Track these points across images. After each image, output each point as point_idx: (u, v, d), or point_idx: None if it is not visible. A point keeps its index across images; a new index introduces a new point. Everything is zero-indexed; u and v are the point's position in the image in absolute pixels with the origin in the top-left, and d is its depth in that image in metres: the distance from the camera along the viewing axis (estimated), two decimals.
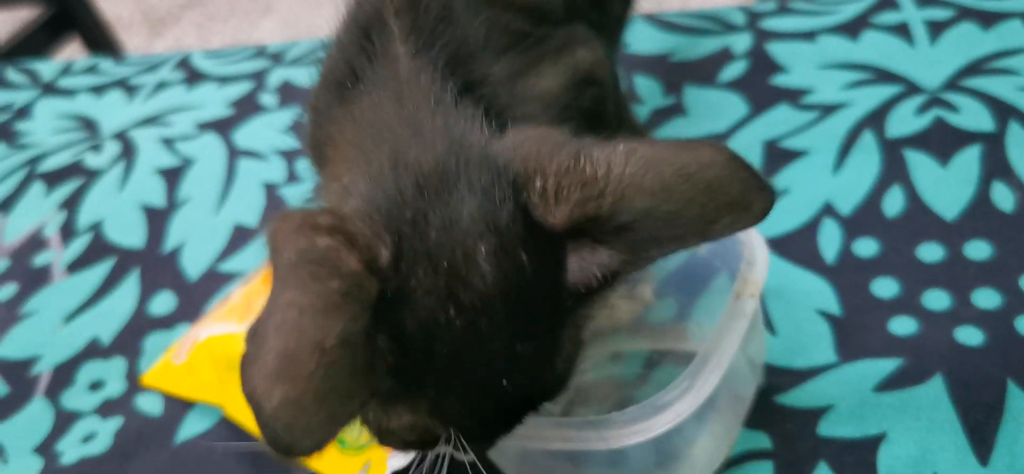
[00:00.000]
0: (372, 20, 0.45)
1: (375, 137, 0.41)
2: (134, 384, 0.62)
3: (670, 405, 0.42)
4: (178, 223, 0.75)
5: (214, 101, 0.90)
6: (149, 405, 0.61)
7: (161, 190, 0.79)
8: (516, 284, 0.37)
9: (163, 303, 0.68)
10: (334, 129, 0.44)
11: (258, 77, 0.92)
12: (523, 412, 0.40)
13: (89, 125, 0.90)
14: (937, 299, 0.54)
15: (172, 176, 0.80)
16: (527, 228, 0.37)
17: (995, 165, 0.62)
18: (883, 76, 0.71)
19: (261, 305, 0.58)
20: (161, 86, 0.94)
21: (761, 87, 0.73)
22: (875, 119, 0.67)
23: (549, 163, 0.37)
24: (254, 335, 0.34)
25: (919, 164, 0.63)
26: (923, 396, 0.50)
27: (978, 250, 0.57)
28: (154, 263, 0.72)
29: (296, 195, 0.75)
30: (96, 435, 0.59)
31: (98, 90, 0.96)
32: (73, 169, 0.84)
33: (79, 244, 0.75)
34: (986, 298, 0.54)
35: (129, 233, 0.75)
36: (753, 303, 0.46)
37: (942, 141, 0.65)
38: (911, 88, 0.69)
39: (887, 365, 0.51)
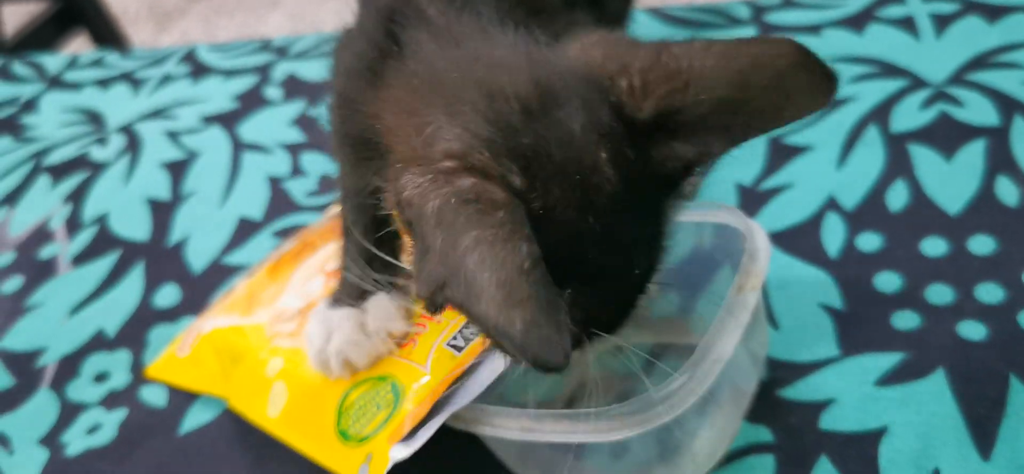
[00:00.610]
0: (394, 9, 0.46)
1: (445, 84, 0.41)
2: (139, 376, 0.62)
3: (671, 397, 0.42)
4: (183, 216, 0.75)
5: (219, 94, 0.90)
6: (154, 397, 0.61)
7: (166, 183, 0.79)
8: (632, 179, 0.40)
9: (168, 295, 0.68)
10: (377, 108, 0.44)
11: (263, 71, 0.92)
12: (640, 295, 0.43)
13: (95, 118, 0.91)
14: (940, 293, 0.54)
15: (177, 169, 0.81)
16: (622, 125, 0.40)
17: (999, 159, 0.62)
18: (888, 70, 0.71)
19: (265, 297, 0.58)
20: (166, 79, 0.94)
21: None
22: (880, 113, 0.67)
23: (632, 63, 0.40)
24: (452, 278, 0.35)
25: (923, 158, 0.63)
26: (925, 390, 0.49)
27: (981, 245, 0.56)
28: (159, 256, 0.72)
29: (301, 188, 0.75)
30: (101, 426, 0.59)
31: (104, 83, 0.96)
32: (79, 162, 0.84)
33: (85, 237, 0.75)
34: (989, 292, 0.54)
35: (134, 226, 0.75)
36: (754, 296, 0.46)
37: (947, 135, 0.64)
38: (916, 82, 0.69)
39: (889, 359, 0.51)
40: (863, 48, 0.74)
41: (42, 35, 2.15)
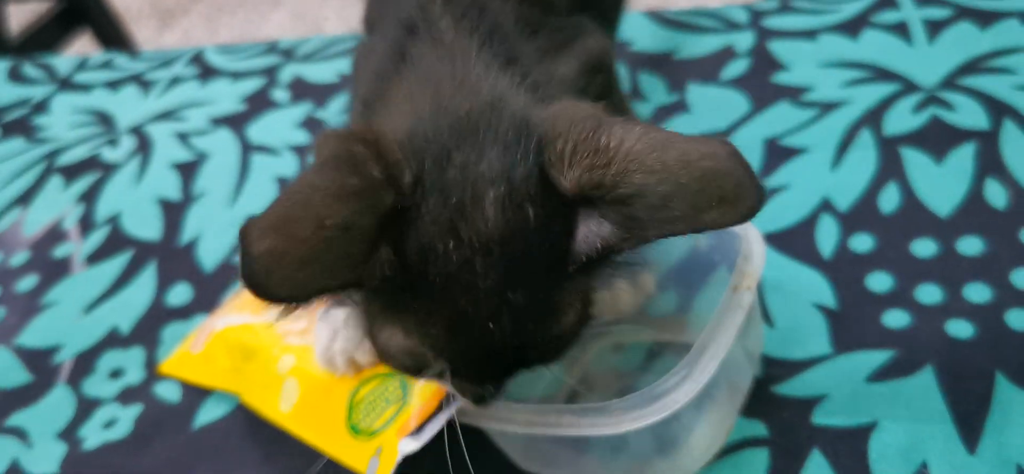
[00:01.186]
0: (414, 14, 0.49)
1: (421, 89, 0.44)
2: (153, 372, 0.64)
3: (669, 392, 0.44)
4: (194, 216, 0.77)
5: (227, 96, 0.92)
6: (167, 392, 0.63)
7: (177, 184, 0.81)
8: (517, 235, 0.40)
9: (180, 294, 0.70)
10: (383, 104, 0.47)
11: (270, 73, 0.94)
12: (514, 364, 0.43)
13: (105, 120, 0.92)
14: (929, 293, 0.56)
15: (187, 170, 0.82)
16: (543, 188, 0.40)
17: (989, 162, 0.64)
18: (882, 74, 0.73)
19: None
20: (175, 81, 0.96)
21: (762, 85, 0.75)
22: (873, 117, 0.69)
23: (571, 129, 0.40)
24: (272, 205, 0.38)
25: (915, 161, 0.65)
26: (914, 387, 0.51)
27: (970, 246, 0.58)
28: (171, 255, 0.74)
29: None
30: (117, 421, 0.61)
31: (113, 85, 0.98)
32: (90, 163, 0.86)
33: (97, 236, 0.77)
34: (977, 292, 0.55)
35: (146, 226, 0.77)
36: (749, 295, 0.48)
37: (938, 139, 0.66)
38: (909, 86, 0.71)
39: (880, 356, 0.53)
40: (858, 53, 0.76)
41: (47, 34, 2.16)
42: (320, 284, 0.37)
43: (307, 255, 0.36)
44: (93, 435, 0.61)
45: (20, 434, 0.62)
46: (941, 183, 0.63)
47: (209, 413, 0.60)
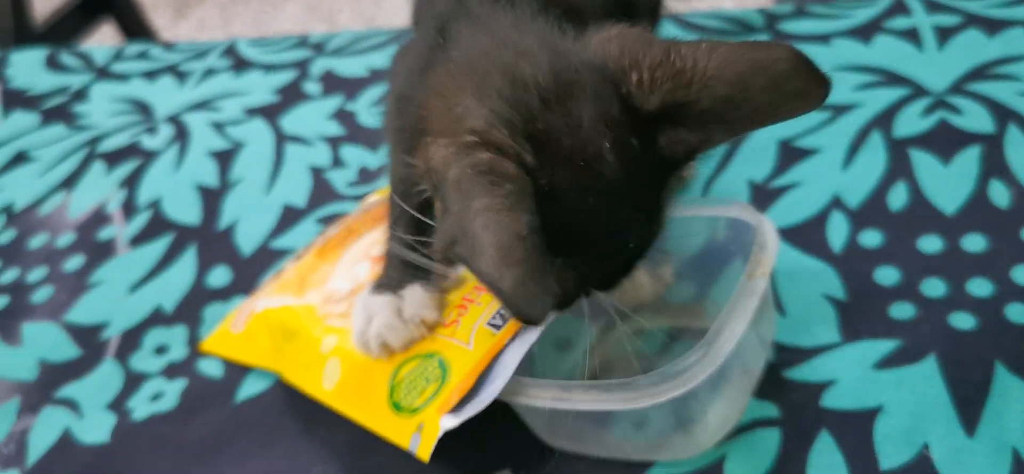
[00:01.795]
0: (446, 11, 0.52)
1: (476, 70, 0.47)
2: (195, 349, 0.68)
3: (687, 371, 0.47)
4: (231, 202, 0.81)
5: (260, 88, 0.95)
6: (210, 368, 0.66)
7: (214, 171, 0.85)
8: (632, 165, 0.44)
9: (219, 276, 0.74)
10: (425, 97, 0.49)
11: (301, 66, 0.97)
12: (636, 261, 0.49)
13: (143, 108, 0.96)
14: (934, 287, 0.59)
15: (224, 158, 0.86)
16: (629, 115, 0.45)
17: (993, 165, 0.67)
18: (893, 79, 0.76)
19: (315, 279, 0.64)
20: (209, 73, 1.00)
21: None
22: (883, 120, 0.72)
23: (643, 59, 0.44)
24: (461, 236, 0.41)
25: (923, 162, 0.68)
26: (917, 374, 0.55)
27: (974, 243, 0.61)
28: (210, 239, 0.77)
29: (342, 178, 0.80)
30: (164, 394, 0.65)
31: (150, 75, 1.02)
32: (131, 150, 0.90)
33: (140, 220, 0.81)
34: (979, 287, 0.59)
35: (186, 210, 0.81)
36: (763, 282, 0.51)
37: (945, 141, 0.69)
38: (918, 91, 0.74)
39: (886, 345, 0.56)
40: (870, 58, 0.79)
41: (70, 22, 2.21)
42: (550, 283, 0.42)
43: (532, 268, 0.40)
44: (141, 406, 0.65)
45: (72, 405, 0.66)
46: (947, 183, 0.66)
47: (250, 388, 0.64)
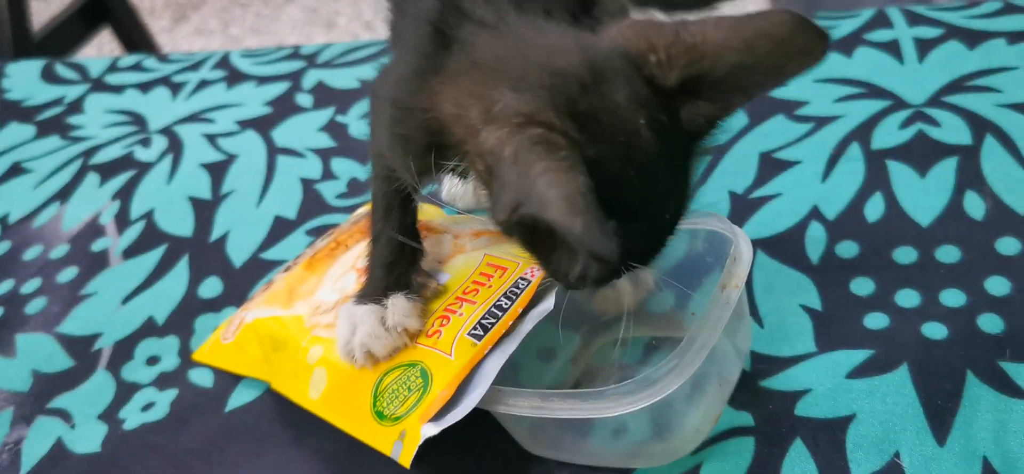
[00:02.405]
0: (440, 12, 0.53)
1: (506, 70, 0.48)
2: (187, 359, 0.69)
3: (661, 380, 0.49)
4: (223, 214, 0.82)
5: (253, 100, 0.97)
6: (201, 378, 0.68)
7: (207, 183, 0.86)
8: (665, 139, 0.47)
9: (211, 287, 0.75)
10: (432, 102, 0.50)
11: (294, 77, 0.99)
12: (670, 235, 0.50)
13: (137, 120, 0.97)
14: (908, 297, 0.61)
15: (216, 170, 0.87)
16: (655, 94, 0.47)
17: (969, 176, 0.68)
18: (873, 91, 0.77)
19: (303, 291, 0.65)
20: (203, 84, 1.01)
21: (759, 99, 0.79)
22: (862, 132, 0.74)
23: (658, 40, 0.47)
24: (526, 199, 0.43)
25: (900, 174, 0.69)
26: (890, 383, 0.56)
27: (948, 254, 0.63)
28: (202, 250, 0.79)
29: (331, 191, 0.82)
30: (155, 404, 0.66)
31: (144, 87, 1.03)
32: (125, 162, 0.91)
33: (133, 232, 0.82)
34: (952, 297, 0.60)
35: (178, 222, 0.82)
36: (737, 293, 0.52)
37: (922, 153, 0.71)
38: (898, 103, 0.76)
39: (860, 355, 0.58)
40: (851, 70, 0.80)
41: (69, 30, 2.22)
42: (610, 230, 0.43)
43: (595, 217, 0.42)
44: (132, 417, 0.66)
45: (64, 415, 0.67)
46: (924, 195, 0.67)
47: (240, 397, 0.65)
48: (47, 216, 0.86)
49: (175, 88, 1.02)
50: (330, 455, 0.60)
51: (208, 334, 0.70)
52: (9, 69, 1.13)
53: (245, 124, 0.93)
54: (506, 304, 0.55)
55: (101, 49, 2.68)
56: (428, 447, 0.52)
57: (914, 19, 0.84)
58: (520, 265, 0.57)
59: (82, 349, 0.72)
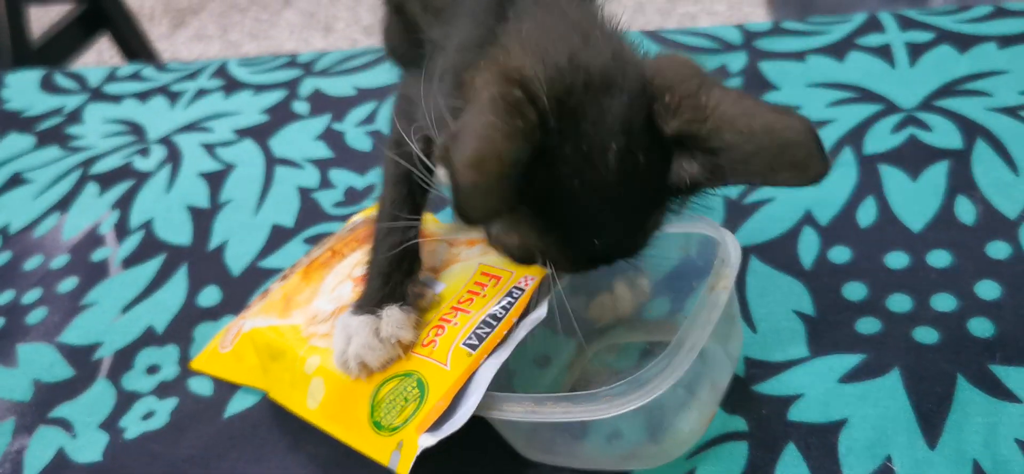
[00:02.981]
0: None
1: (545, 42, 0.50)
2: (186, 368, 0.70)
3: (651, 382, 0.49)
4: (221, 223, 0.83)
5: (250, 108, 0.97)
6: (200, 387, 0.68)
7: (205, 192, 0.87)
8: (629, 178, 0.48)
9: (210, 296, 0.76)
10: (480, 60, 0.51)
11: (291, 86, 0.99)
12: (606, 261, 0.52)
13: (136, 129, 0.98)
14: (899, 302, 0.61)
15: (214, 179, 0.88)
16: (649, 131, 0.48)
17: (960, 180, 0.69)
18: (865, 95, 0.78)
19: (300, 300, 0.66)
20: (201, 93, 1.02)
21: None
22: (855, 136, 0.74)
23: (678, 85, 0.48)
24: (458, 135, 0.44)
25: (892, 178, 0.70)
26: (881, 387, 0.56)
27: (939, 259, 0.63)
28: (201, 259, 0.79)
29: (328, 199, 0.82)
30: (155, 413, 0.67)
31: (142, 96, 1.04)
32: (124, 171, 0.92)
33: (132, 241, 0.83)
34: (943, 302, 0.61)
35: (177, 232, 0.83)
36: (725, 295, 0.53)
37: (914, 157, 0.71)
38: (890, 107, 0.76)
39: (852, 360, 0.58)
40: (843, 75, 0.81)
41: (67, 37, 2.23)
42: (500, 207, 0.46)
43: (493, 186, 0.44)
44: (133, 425, 0.66)
45: (65, 424, 0.68)
46: (915, 199, 0.68)
47: (239, 404, 0.66)
48: (47, 226, 0.87)
49: (173, 97, 1.02)
50: (328, 462, 0.60)
51: (206, 343, 0.71)
52: (8, 79, 1.14)
53: (243, 133, 0.94)
54: (500, 313, 0.55)
55: (100, 55, 2.69)
56: (424, 454, 0.52)
57: (906, 24, 0.85)
58: (514, 275, 0.58)
59: (82, 358, 0.73)
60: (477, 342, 0.54)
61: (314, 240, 0.78)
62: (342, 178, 0.85)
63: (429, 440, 0.52)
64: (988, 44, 0.81)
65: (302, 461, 0.61)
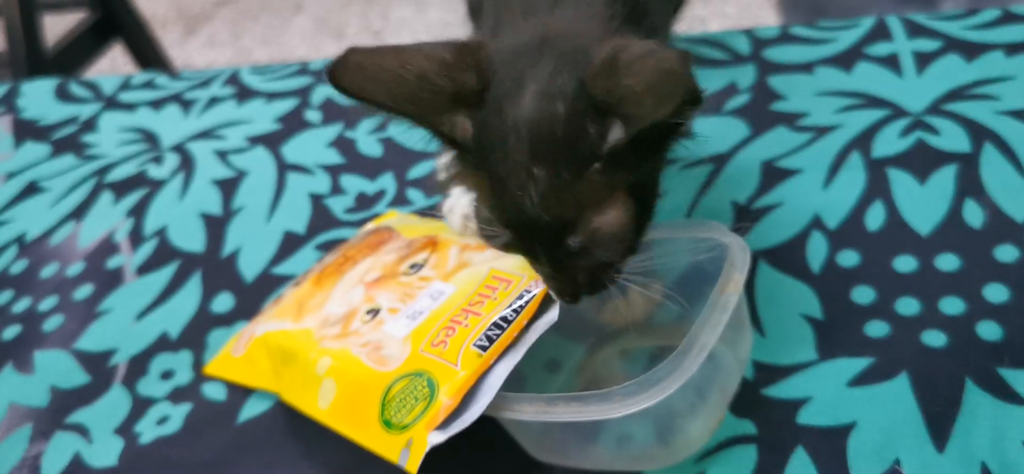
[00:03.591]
0: None
1: (516, 26, 0.55)
2: (200, 374, 0.71)
3: (660, 382, 0.50)
4: (234, 230, 0.84)
5: (263, 116, 0.98)
6: (214, 392, 0.69)
7: (218, 200, 0.88)
8: (544, 122, 0.50)
9: (223, 302, 0.76)
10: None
11: (303, 94, 1.00)
12: (554, 240, 0.52)
13: (150, 137, 0.99)
14: (908, 305, 0.61)
15: (227, 187, 0.89)
16: (580, 94, 0.50)
17: (968, 184, 0.69)
18: (872, 101, 0.78)
19: (312, 305, 0.66)
20: (213, 101, 1.03)
21: (762, 113, 0.80)
22: (863, 140, 0.74)
23: (612, 52, 0.49)
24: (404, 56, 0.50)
25: (900, 182, 0.70)
26: (890, 391, 0.57)
27: (947, 262, 0.64)
28: (214, 266, 0.80)
29: (340, 205, 0.83)
30: (169, 418, 0.68)
31: (156, 104, 1.05)
32: (138, 179, 0.93)
33: (147, 249, 0.84)
34: (951, 305, 0.61)
35: (191, 239, 0.84)
36: (734, 297, 0.53)
37: (922, 161, 0.72)
38: (898, 112, 0.77)
39: (860, 363, 0.59)
40: (851, 83, 0.81)
41: (81, 45, 2.25)
42: (377, 98, 0.50)
43: (378, 76, 0.49)
44: (148, 431, 0.67)
45: (81, 430, 0.68)
46: (923, 203, 0.68)
47: (252, 410, 0.67)
48: (63, 234, 0.88)
49: (186, 105, 1.03)
50: (340, 467, 0.61)
51: (220, 348, 0.72)
52: (24, 88, 1.15)
53: (255, 140, 0.95)
54: (511, 316, 0.56)
55: (114, 62, 2.71)
56: (435, 455, 0.53)
57: (913, 30, 0.85)
58: (524, 279, 0.58)
59: (98, 365, 0.73)
60: (487, 343, 0.55)
61: (326, 246, 0.79)
62: (353, 184, 0.85)
63: (438, 437, 0.52)
64: (995, 52, 0.81)
65: (315, 466, 0.62)
